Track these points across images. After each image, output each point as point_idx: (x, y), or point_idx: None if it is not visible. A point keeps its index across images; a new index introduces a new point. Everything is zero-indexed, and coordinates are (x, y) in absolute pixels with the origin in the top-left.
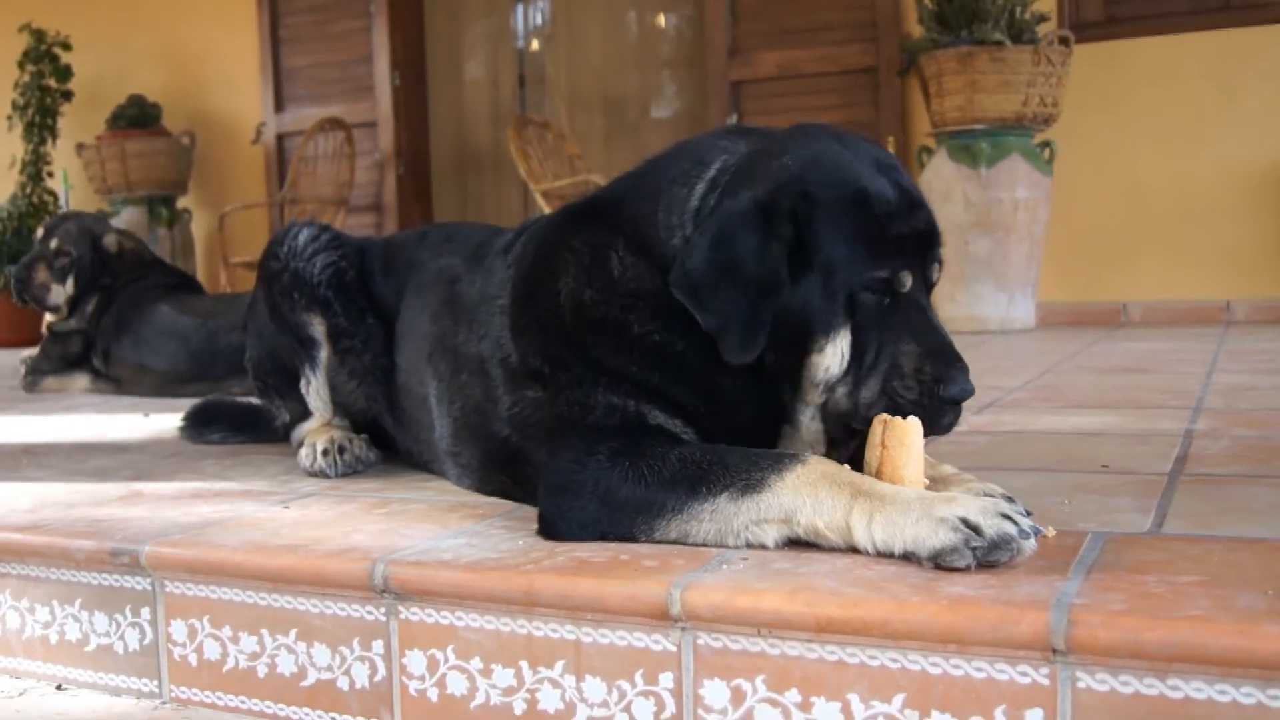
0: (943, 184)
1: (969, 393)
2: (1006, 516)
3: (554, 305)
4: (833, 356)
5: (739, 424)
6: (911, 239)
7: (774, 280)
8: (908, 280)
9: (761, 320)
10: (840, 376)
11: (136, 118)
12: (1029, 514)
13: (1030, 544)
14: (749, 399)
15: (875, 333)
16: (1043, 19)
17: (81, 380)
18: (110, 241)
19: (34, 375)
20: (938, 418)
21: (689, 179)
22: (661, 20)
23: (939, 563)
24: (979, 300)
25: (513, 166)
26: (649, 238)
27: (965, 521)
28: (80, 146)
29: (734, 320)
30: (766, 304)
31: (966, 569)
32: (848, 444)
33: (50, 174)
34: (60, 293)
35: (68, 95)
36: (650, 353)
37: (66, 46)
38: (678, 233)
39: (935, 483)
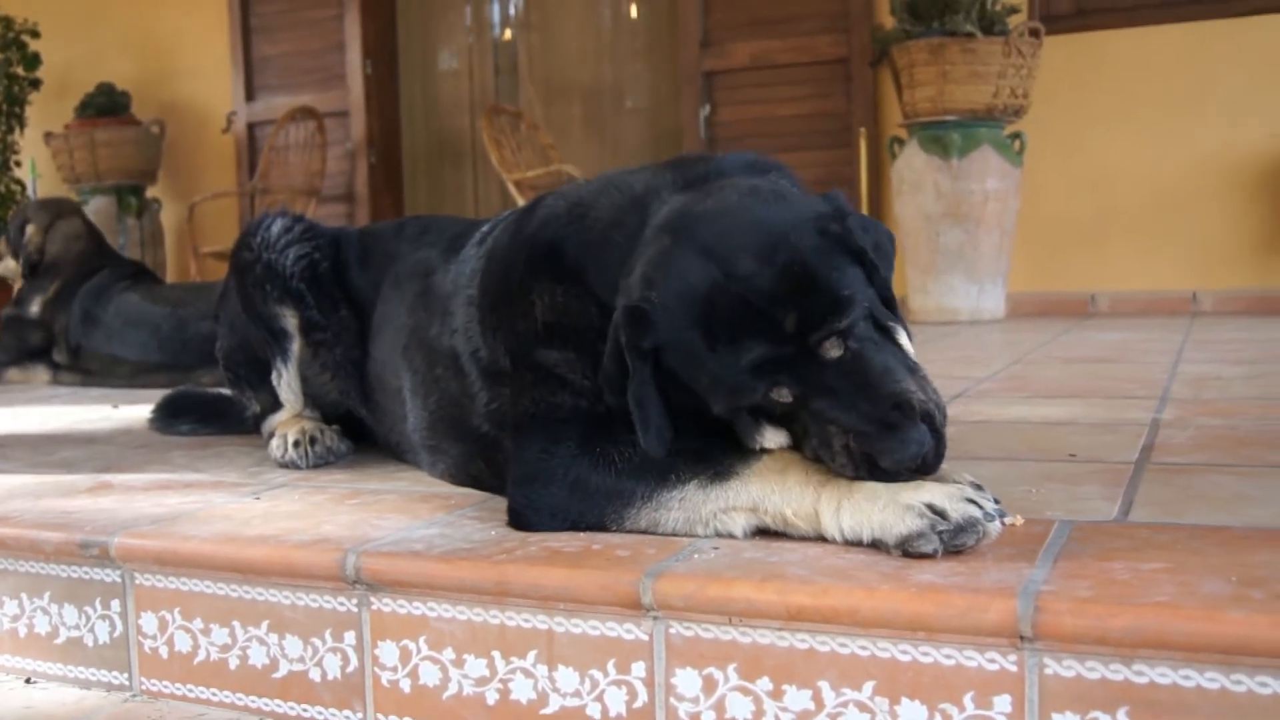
0: (914, 175)
1: (902, 461)
2: (972, 501)
3: (522, 330)
4: (762, 444)
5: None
6: (778, 351)
7: (653, 399)
8: (784, 395)
9: (658, 427)
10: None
11: (105, 106)
12: (997, 501)
13: (996, 526)
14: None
15: (796, 420)
16: (1013, 11)
17: (44, 373)
18: (30, 230)
19: None
20: (894, 478)
21: (617, 247)
22: (634, 10)
23: (906, 549)
24: (950, 291)
25: (486, 156)
26: (595, 290)
27: (931, 507)
28: (48, 135)
29: (639, 422)
30: (654, 414)
31: (934, 554)
32: None
33: (18, 163)
34: (10, 265)
35: (36, 83)
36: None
37: (35, 34)
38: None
39: None
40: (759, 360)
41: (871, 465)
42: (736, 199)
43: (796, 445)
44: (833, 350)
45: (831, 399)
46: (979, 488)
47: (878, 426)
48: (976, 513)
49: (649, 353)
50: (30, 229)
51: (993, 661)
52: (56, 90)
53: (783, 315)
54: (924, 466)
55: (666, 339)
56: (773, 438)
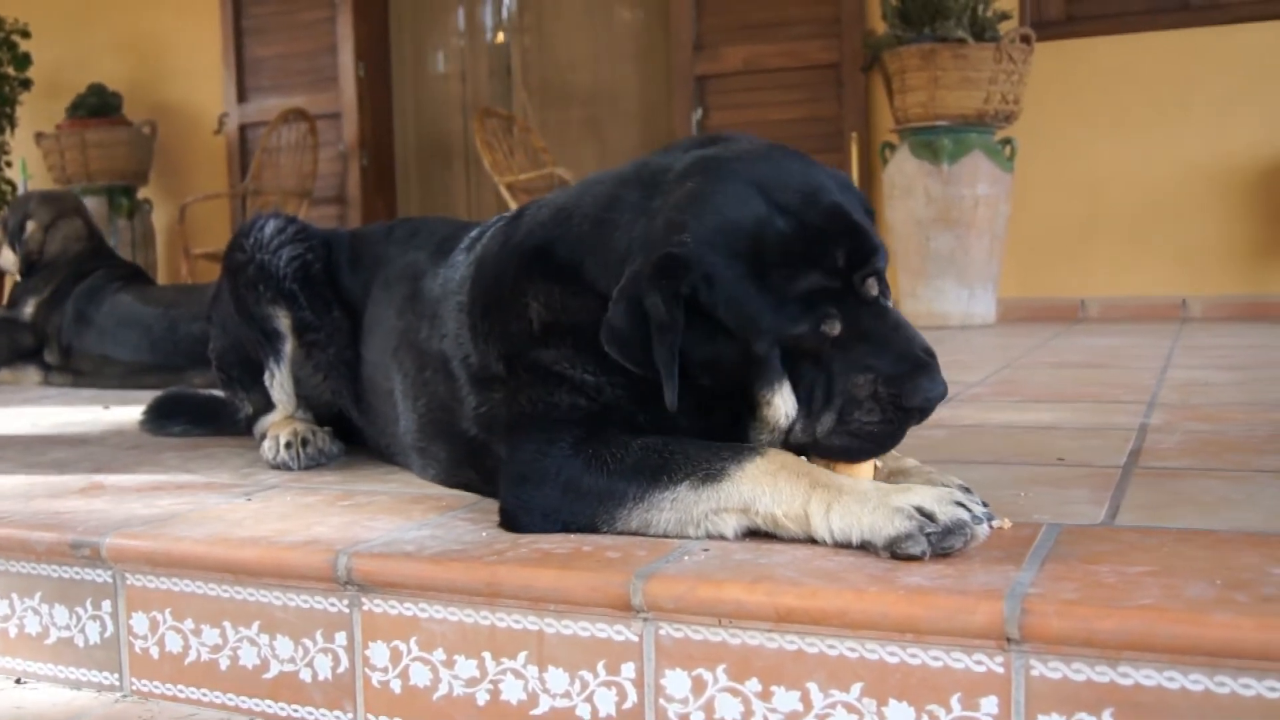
0: (905, 180)
1: (934, 398)
2: (960, 504)
3: (516, 331)
4: (780, 407)
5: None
6: (829, 284)
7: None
8: (835, 327)
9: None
10: (794, 418)
11: (97, 107)
12: (985, 505)
13: (984, 529)
14: (714, 418)
15: (819, 373)
16: (1005, 17)
17: (35, 373)
18: (30, 227)
19: None
20: (905, 425)
21: (615, 225)
22: (627, 14)
23: (895, 551)
24: (940, 295)
25: (479, 159)
26: (596, 280)
27: (920, 510)
28: (39, 135)
29: (666, 375)
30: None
31: (922, 556)
32: None
33: (9, 163)
34: (9, 257)
35: (26, 84)
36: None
37: (25, 34)
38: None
39: (896, 474)
40: (812, 289)
41: (896, 409)
42: (765, 149)
43: (805, 394)
44: (872, 290)
45: (866, 344)
46: (967, 491)
47: (912, 366)
48: (964, 515)
49: (683, 299)
50: (31, 225)
51: (980, 663)
52: (47, 90)
53: (835, 249)
54: (930, 411)
55: (709, 273)
56: (788, 398)
